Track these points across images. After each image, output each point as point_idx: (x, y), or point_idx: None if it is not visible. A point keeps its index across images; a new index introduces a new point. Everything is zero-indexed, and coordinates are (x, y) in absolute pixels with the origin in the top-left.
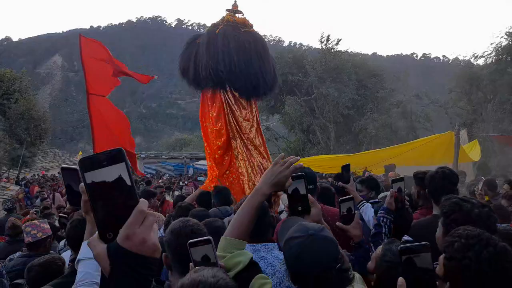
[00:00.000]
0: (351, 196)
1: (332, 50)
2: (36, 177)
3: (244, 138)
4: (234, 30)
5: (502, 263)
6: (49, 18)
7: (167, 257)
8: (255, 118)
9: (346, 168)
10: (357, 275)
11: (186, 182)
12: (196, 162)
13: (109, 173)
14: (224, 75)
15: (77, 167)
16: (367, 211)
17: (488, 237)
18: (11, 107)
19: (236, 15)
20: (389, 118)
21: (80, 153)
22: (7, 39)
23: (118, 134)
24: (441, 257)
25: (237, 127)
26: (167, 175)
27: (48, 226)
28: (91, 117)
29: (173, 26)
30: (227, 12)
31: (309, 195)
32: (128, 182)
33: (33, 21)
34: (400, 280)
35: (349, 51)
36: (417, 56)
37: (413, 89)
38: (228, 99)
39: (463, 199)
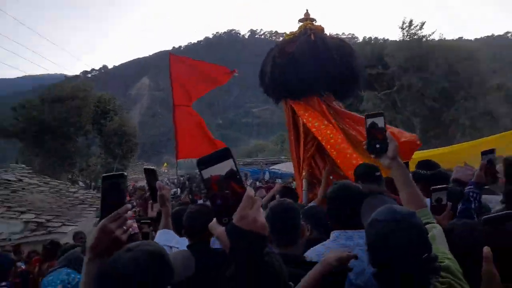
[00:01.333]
0: (444, 186)
1: (416, 36)
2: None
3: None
4: (324, 36)
5: None
6: (137, 44)
7: None
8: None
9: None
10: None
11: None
12: (272, 167)
13: (221, 168)
14: (329, 79)
15: (154, 167)
16: None
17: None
18: (106, 125)
19: (313, 22)
20: (488, 105)
21: (165, 164)
22: (104, 67)
23: (202, 136)
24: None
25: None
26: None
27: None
28: (176, 126)
29: (247, 37)
30: (304, 21)
31: (387, 131)
32: (237, 174)
33: (124, 48)
34: (486, 249)
35: (434, 36)
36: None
37: None
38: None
39: None
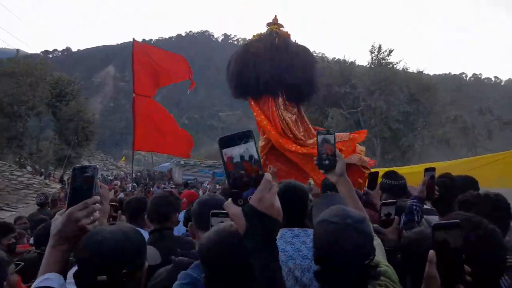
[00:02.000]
0: (394, 201)
1: (383, 61)
2: None
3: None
4: (289, 41)
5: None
6: (106, 30)
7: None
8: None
9: (373, 175)
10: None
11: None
12: None
13: (241, 149)
14: (286, 81)
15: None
16: None
17: (480, 220)
18: (62, 109)
19: (280, 28)
20: (445, 134)
21: (123, 158)
22: (67, 49)
23: (164, 133)
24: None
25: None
26: (207, 183)
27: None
28: (135, 116)
29: (220, 41)
30: (271, 25)
31: (336, 149)
32: (256, 157)
33: (91, 33)
34: (431, 253)
35: (400, 63)
36: (466, 76)
37: (471, 105)
38: (279, 104)
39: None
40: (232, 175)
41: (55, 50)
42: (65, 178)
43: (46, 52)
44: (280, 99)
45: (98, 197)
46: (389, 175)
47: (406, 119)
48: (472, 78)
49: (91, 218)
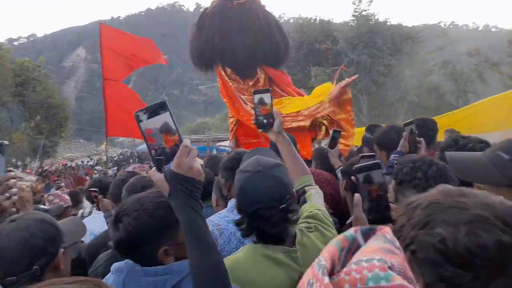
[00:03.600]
0: (372, 154)
1: (364, 12)
2: (59, 167)
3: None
4: (225, 5)
5: (445, 178)
6: (71, 12)
7: None
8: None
9: (336, 133)
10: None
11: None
12: (220, 143)
13: (158, 121)
14: (213, 56)
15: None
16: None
17: (431, 159)
18: (29, 97)
19: None
20: (433, 82)
21: (105, 143)
22: (33, 35)
23: (132, 117)
24: (392, 183)
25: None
26: None
27: (69, 198)
28: (105, 101)
29: (192, 11)
30: None
31: (274, 107)
32: (173, 126)
33: (55, 16)
34: (356, 195)
35: (379, 15)
36: (445, 24)
37: (458, 50)
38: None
39: (462, 136)
40: (152, 148)
41: (19, 37)
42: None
43: (10, 40)
44: (228, 70)
45: (12, 173)
46: (370, 129)
47: (390, 72)
48: (451, 26)
49: (6, 194)
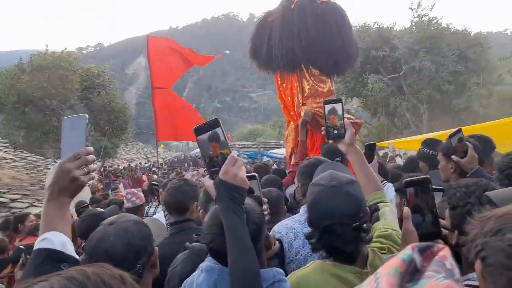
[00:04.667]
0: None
1: (425, 18)
2: (119, 168)
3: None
4: (310, 3)
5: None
6: (134, 23)
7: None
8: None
9: (370, 146)
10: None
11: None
12: (271, 151)
13: (211, 135)
14: (300, 54)
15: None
16: (389, 192)
17: (486, 183)
18: (94, 101)
19: None
20: (503, 92)
21: (162, 146)
22: (99, 44)
23: (183, 121)
24: (447, 210)
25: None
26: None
27: (143, 195)
28: (155, 108)
29: (245, 21)
30: None
31: (345, 118)
32: (224, 140)
33: (120, 27)
34: (406, 209)
35: (443, 19)
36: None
37: None
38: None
39: None
40: (206, 157)
41: (88, 46)
42: (104, 169)
43: (80, 48)
44: (307, 74)
45: (91, 148)
46: (429, 144)
47: (456, 80)
48: None
49: (85, 169)
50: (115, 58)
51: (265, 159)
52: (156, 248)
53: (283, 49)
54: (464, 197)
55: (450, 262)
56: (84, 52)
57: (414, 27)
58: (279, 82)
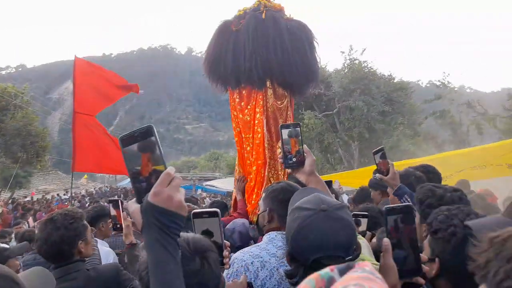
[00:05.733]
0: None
1: (356, 61)
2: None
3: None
4: (281, 16)
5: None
6: (63, 45)
7: None
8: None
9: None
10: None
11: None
12: (206, 183)
13: (143, 146)
14: (275, 67)
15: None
16: None
17: (468, 208)
18: (7, 123)
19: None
20: (430, 131)
21: (85, 176)
22: (22, 66)
23: (105, 153)
24: (427, 239)
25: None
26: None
27: None
28: (74, 135)
29: (183, 54)
30: None
31: (304, 145)
32: (158, 153)
33: (47, 48)
34: (385, 240)
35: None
36: (422, 83)
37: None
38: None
39: (435, 186)
40: (133, 175)
41: (8, 67)
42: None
43: None
44: (270, 90)
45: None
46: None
47: (383, 120)
48: (428, 85)
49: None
50: (39, 81)
51: (198, 191)
52: None
53: (257, 61)
54: (446, 220)
55: (371, 267)
56: (3, 72)
57: (346, 68)
58: (237, 100)
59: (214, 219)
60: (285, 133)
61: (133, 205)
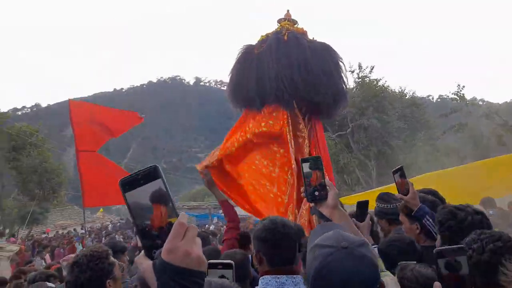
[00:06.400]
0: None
1: (367, 79)
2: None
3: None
4: (303, 37)
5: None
6: (76, 84)
7: None
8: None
9: (362, 204)
10: None
11: None
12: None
13: (148, 190)
14: (301, 85)
15: None
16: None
17: (490, 236)
18: (23, 161)
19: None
20: (450, 145)
21: (101, 210)
22: (37, 105)
23: (112, 184)
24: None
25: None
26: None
27: None
28: (80, 172)
29: (191, 84)
30: (283, 21)
31: (326, 178)
32: (170, 202)
33: (60, 87)
34: (437, 285)
35: (381, 81)
36: (433, 98)
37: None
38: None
39: (457, 207)
40: (139, 225)
41: (23, 107)
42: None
43: (15, 109)
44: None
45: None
46: (383, 198)
47: (400, 136)
48: (439, 100)
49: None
50: (54, 119)
51: (214, 220)
52: None
53: (283, 81)
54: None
55: None
56: (19, 113)
57: (357, 87)
58: (262, 124)
59: (228, 271)
60: (306, 166)
61: (144, 261)
